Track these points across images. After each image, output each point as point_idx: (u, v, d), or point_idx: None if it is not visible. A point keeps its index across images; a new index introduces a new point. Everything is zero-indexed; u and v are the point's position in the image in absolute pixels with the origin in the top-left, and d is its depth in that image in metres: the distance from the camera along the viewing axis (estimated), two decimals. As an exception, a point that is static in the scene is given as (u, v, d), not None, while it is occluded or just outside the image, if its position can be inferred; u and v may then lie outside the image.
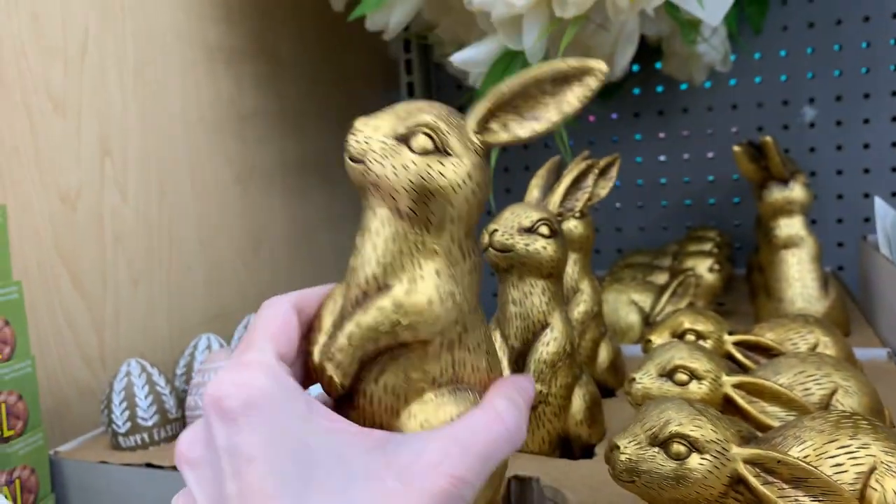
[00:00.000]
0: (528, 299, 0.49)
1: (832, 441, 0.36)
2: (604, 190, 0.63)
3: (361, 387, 0.31)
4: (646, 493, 0.36)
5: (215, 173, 0.82)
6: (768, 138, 0.70)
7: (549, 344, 0.49)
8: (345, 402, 0.32)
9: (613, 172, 0.63)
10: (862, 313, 0.81)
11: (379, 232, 0.31)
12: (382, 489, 0.24)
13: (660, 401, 0.38)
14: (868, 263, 0.81)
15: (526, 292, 0.49)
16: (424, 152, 0.30)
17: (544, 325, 0.49)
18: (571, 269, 0.60)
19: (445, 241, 0.31)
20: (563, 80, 0.31)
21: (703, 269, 0.79)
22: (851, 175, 1.00)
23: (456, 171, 0.31)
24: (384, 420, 0.31)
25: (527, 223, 0.49)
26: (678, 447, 0.35)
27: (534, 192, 0.53)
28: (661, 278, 0.81)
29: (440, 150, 0.30)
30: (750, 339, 0.55)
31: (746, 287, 0.92)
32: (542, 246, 0.48)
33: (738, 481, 0.35)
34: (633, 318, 0.74)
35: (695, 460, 0.34)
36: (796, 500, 0.35)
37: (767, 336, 0.57)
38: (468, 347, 0.32)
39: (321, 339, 0.32)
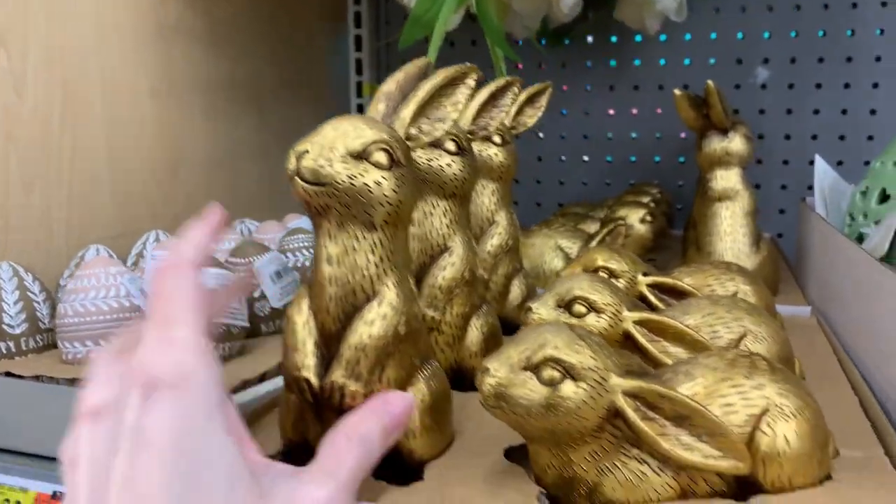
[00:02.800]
0: (428, 220, 0.46)
1: (725, 380, 0.34)
2: (531, 119, 0.60)
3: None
4: (515, 421, 0.32)
5: (130, 84, 0.76)
6: (711, 83, 0.67)
7: (445, 269, 0.45)
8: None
9: (543, 101, 0.60)
10: (794, 278, 0.79)
11: (356, 248, 0.33)
12: None
13: (539, 324, 0.35)
14: (804, 224, 0.78)
15: (426, 212, 0.46)
16: (382, 167, 0.33)
17: (443, 250, 0.46)
18: (488, 199, 0.57)
19: (401, 240, 0.35)
20: (452, 83, 0.37)
21: (635, 219, 0.77)
22: (799, 140, 0.98)
23: (406, 179, 0.34)
24: None
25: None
26: (552, 372, 0.31)
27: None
28: (593, 228, 0.78)
29: (396, 163, 0.33)
30: (665, 281, 0.52)
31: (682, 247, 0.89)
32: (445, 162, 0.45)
33: (615, 414, 0.32)
34: (558, 263, 0.71)
35: (569, 388, 0.31)
36: (678, 439, 0.32)
37: (686, 280, 0.54)
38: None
39: (310, 360, 0.34)
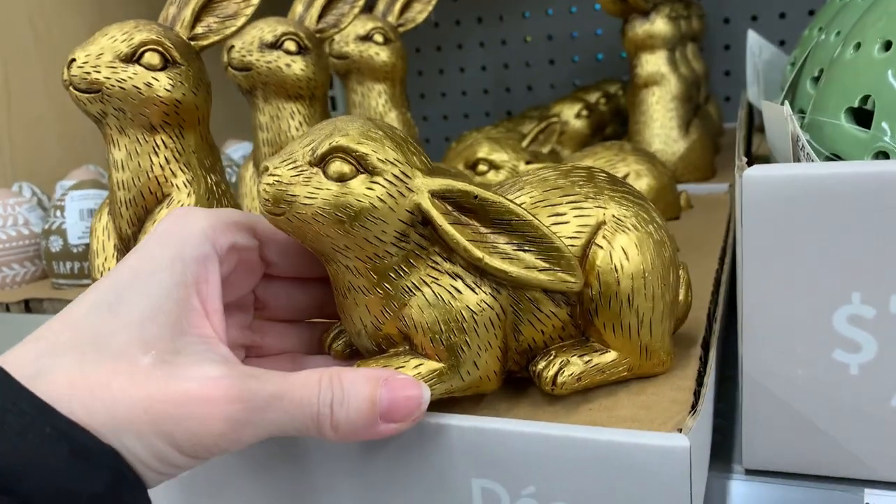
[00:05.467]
0: (276, 123, 0.46)
1: (557, 188, 0.30)
2: (421, 14, 0.59)
3: None
4: (302, 230, 0.27)
5: (62, 25, 0.78)
6: (619, -37, 0.64)
7: None
8: None
9: (433, -5, 0.59)
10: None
11: (139, 151, 0.35)
12: (133, 363, 0.23)
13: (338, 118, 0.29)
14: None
15: (273, 116, 0.46)
16: (154, 68, 0.33)
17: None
18: (375, 101, 0.57)
19: (194, 139, 0.36)
20: None
21: (570, 114, 0.75)
22: (766, 21, 0.94)
23: (186, 77, 0.34)
24: None
25: (269, 38, 0.45)
26: (340, 165, 0.26)
27: (297, 7, 0.49)
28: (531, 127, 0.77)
29: (171, 62, 0.34)
30: (547, 167, 0.51)
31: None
32: (285, 63, 0.45)
33: (422, 221, 0.27)
34: (487, 165, 0.71)
35: (361, 183, 0.26)
36: (494, 247, 0.27)
37: (576, 167, 0.53)
38: None
39: (110, 263, 0.37)
